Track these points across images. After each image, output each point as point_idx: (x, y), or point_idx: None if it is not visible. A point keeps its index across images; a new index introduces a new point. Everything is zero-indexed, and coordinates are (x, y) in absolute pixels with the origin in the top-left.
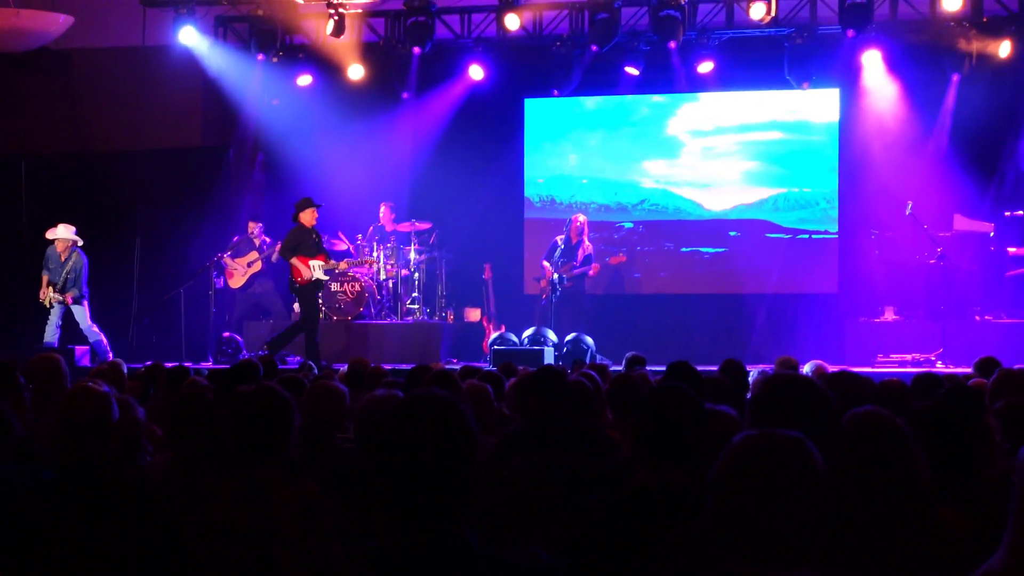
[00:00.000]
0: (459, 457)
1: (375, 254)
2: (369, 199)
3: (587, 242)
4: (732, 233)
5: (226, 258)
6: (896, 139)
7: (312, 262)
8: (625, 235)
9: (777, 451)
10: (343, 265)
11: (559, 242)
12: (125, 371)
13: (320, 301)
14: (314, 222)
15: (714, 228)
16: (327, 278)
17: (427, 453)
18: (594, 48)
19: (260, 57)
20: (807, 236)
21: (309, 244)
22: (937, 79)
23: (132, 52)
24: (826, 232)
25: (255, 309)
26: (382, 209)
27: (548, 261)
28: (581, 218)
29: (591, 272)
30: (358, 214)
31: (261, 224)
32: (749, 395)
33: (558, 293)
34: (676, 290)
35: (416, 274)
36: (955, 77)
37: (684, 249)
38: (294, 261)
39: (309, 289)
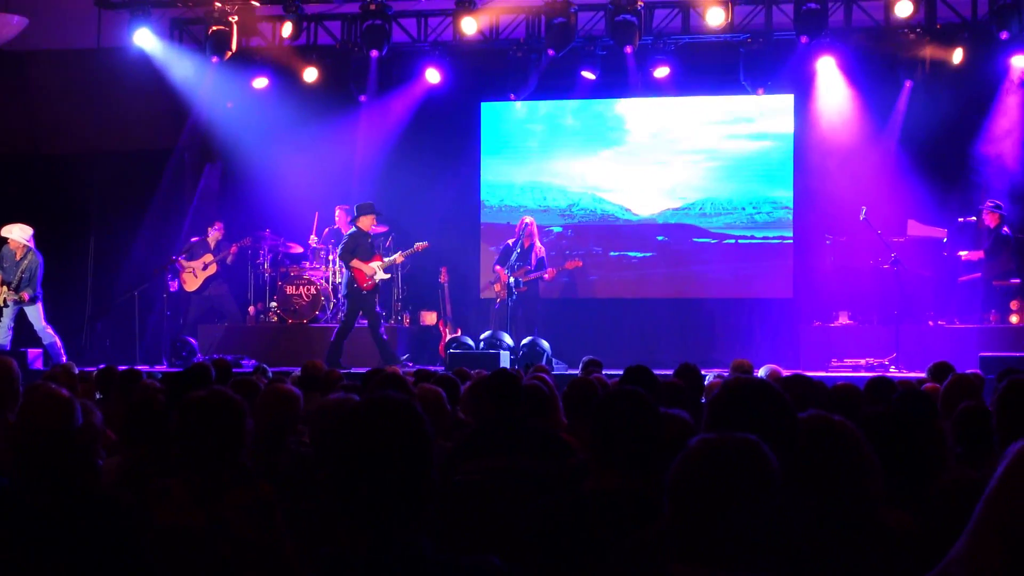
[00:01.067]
0: (414, 461)
1: (330, 256)
2: (325, 202)
3: (539, 244)
4: (659, 237)
5: (181, 260)
6: (850, 145)
7: (372, 264)
8: (554, 239)
9: (733, 454)
10: (399, 257)
11: (512, 245)
12: (77, 373)
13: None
14: (372, 227)
15: (649, 232)
16: (388, 276)
17: (382, 457)
18: (551, 52)
19: (214, 59)
20: (733, 241)
21: (365, 248)
22: (891, 85)
23: (87, 54)
24: (777, 237)
25: (210, 312)
26: (338, 212)
27: (502, 265)
28: (528, 219)
29: (547, 276)
30: (314, 216)
31: (221, 225)
32: (704, 399)
33: (514, 297)
34: (631, 294)
35: None
36: (908, 83)
37: (612, 253)
38: (354, 264)
39: (371, 292)
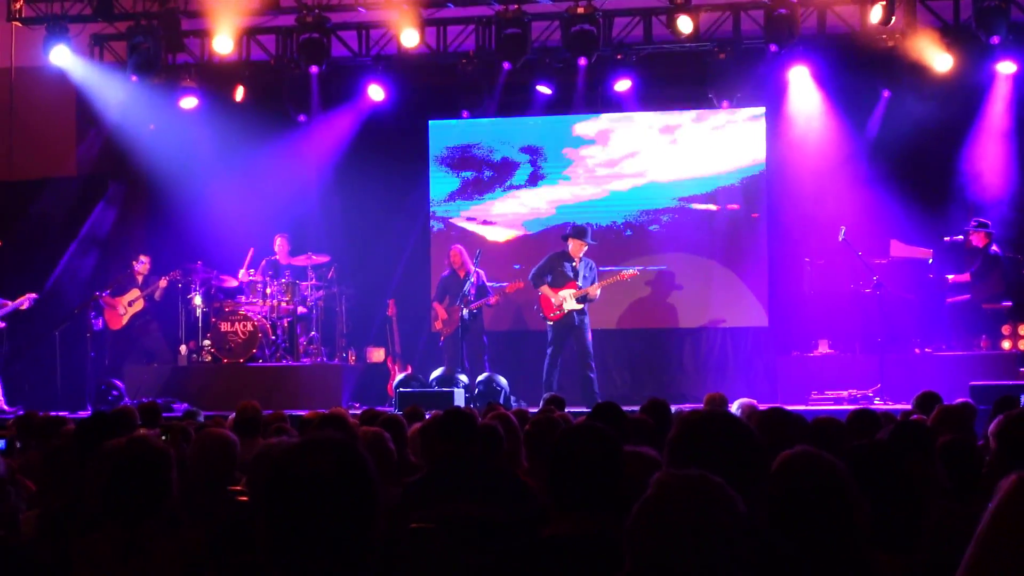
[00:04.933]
0: (357, 507)
1: (268, 290)
2: (263, 231)
3: (473, 268)
4: (624, 265)
5: (105, 297)
6: (827, 160)
7: (562, 292)
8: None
9: (693, 496)
10: (594, 291)
11: (449, 276)
12: None
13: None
14: (580, 253)
15: (613, 258)
16: (580, 306)
17: (321, 503)
18: (506, 66)
19: (134, 78)
20: (702, 265)
21: (560, 273)
22: (868, 96)
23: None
24: (750, 262)
25: (138, 352)
26: (277, 241)
27: (440, 301)
28: (456, 248)
29: (491, 302)
30: (250, 247)
31: (148, 259)
32: None
33: (469, 331)
34: (594, 325)
35: (314, 311)
36: (886, 93)
37: None
38: (542, 290)
39: (562, 323)
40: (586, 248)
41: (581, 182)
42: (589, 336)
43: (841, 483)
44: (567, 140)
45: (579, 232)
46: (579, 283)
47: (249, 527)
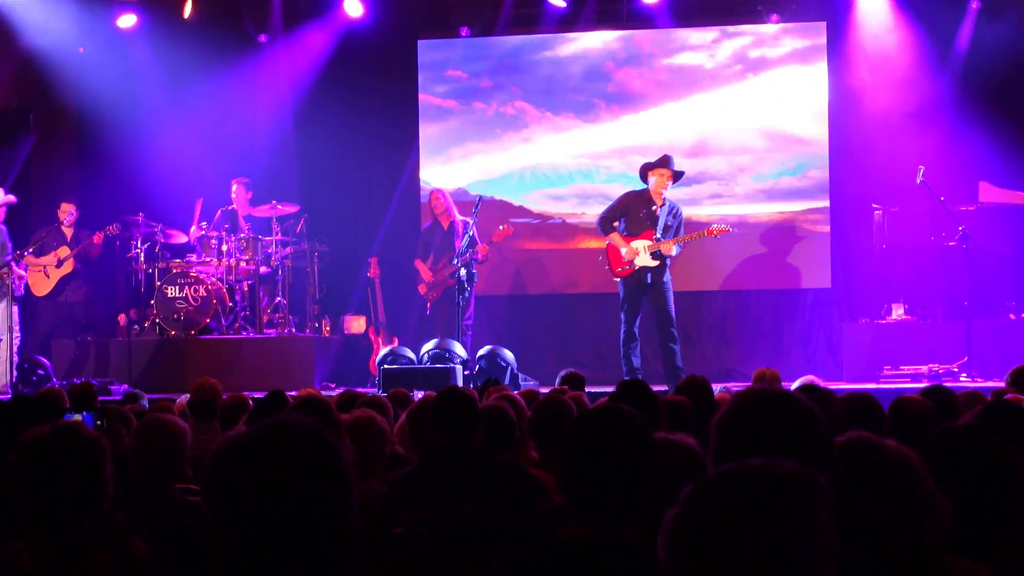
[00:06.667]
0: (326, 509)
1: (224, 247)
2: (217, 175)
3: (459, 217)
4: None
5: (28, 256)
6: (901, 87)
7: (635, 243)
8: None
9: (774, 494)
10: (669, 248)
11: (431, 228)
12: None
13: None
14: (663, 189)
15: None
16: (656, 263)
17: (280, 504)
18: None
19: None
20: (750, 216)
21: (636, 216)
22: (955, 6)
23: None
24: (808, 210)
25: (68, 323)
26: (234, 187)
27: (423, 259)
28: (438, 192)
29: (478, 256)
30: (203, 194)
31: (74, 208)
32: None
33: (467, 294)
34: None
35: (280, 272)
36: (975, 3)
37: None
38: (611, 239)
39: (633, 281)
40: (670, 184)
41: (596, 118)
42: (671, 298)
43: (908, 477)
44: (585, 65)
45: (661, 161)
46: (657, 233)
47: (202, 533)
